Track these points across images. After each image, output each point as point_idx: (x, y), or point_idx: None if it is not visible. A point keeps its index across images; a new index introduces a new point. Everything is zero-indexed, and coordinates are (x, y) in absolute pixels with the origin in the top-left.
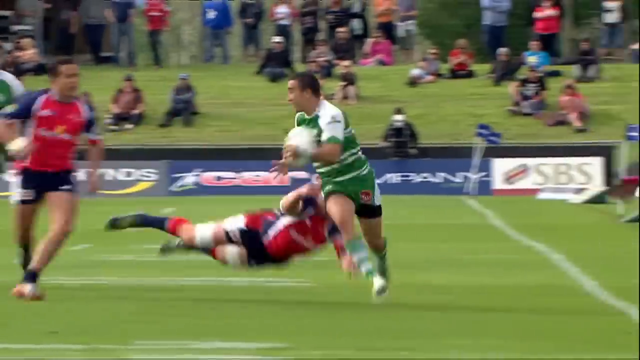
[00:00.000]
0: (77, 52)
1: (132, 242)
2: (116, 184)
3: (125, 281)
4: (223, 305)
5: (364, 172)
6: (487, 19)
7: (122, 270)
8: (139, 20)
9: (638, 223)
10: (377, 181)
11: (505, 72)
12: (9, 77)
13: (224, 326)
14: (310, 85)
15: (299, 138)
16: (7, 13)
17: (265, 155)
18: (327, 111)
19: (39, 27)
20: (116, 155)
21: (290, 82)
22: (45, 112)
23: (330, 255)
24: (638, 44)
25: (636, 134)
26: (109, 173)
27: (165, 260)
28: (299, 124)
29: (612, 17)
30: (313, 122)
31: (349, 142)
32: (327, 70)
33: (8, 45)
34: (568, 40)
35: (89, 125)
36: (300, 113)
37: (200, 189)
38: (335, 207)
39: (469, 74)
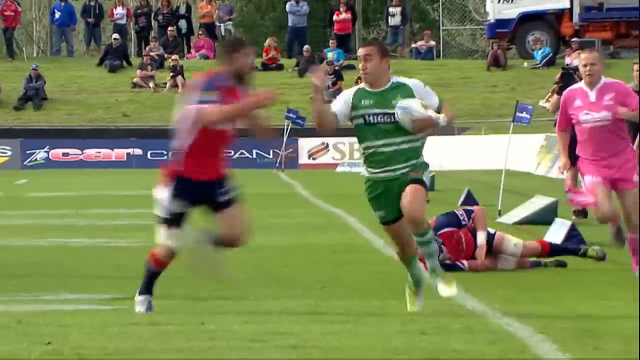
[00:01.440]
0: None
1: None
2: None
3: None
4: (68, 262)
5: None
6: (291, 21)
7: None
8: None
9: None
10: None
11: (308, 66)
12: None
13: (69, 280)
14: (388, 53)
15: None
16: None
17: (105, 135)
18: (412, 79)
19: None
20: None
21: (367, 49)
22: None
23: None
24: (416, 42)
25: None
26: None
27: (11, 224)
28: (358, 100)
29: (394, 21)
30: (391, 93)
31: None
32: (159, 63)
33: None
34: (359, 40)
35: None
36: (361, 88)
37: (49, 164)
38: (393, 241)
39: (279, 67)
